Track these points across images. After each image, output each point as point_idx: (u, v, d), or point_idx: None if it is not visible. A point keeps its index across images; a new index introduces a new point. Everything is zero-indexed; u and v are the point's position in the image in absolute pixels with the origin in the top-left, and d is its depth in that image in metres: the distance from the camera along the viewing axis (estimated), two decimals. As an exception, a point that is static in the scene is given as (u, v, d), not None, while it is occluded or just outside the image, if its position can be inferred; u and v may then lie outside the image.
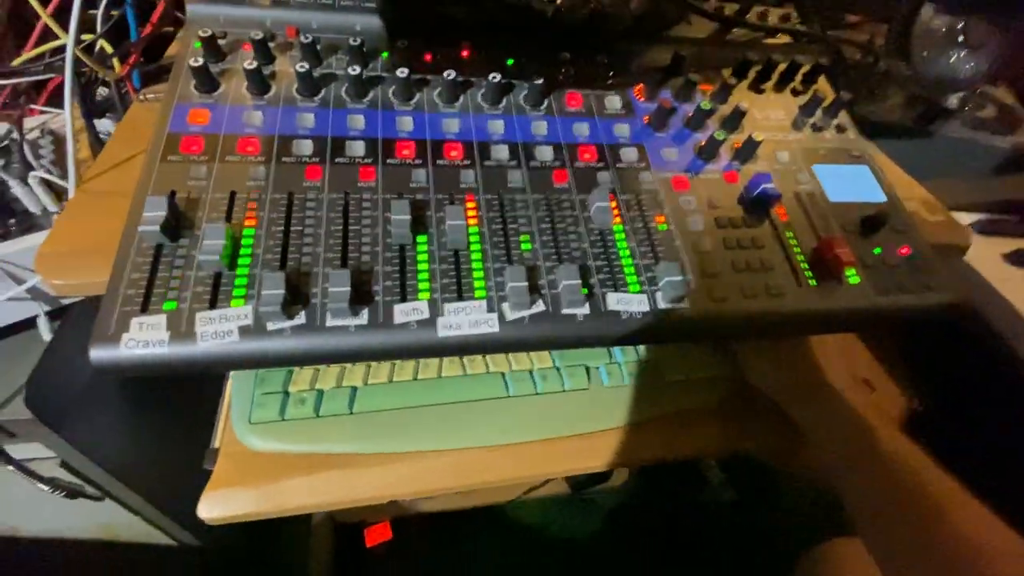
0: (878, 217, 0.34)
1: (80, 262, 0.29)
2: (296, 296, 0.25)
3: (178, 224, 0.26)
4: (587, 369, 0.40)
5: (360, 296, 0.26)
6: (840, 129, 0.40)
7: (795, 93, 0.41)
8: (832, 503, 0.35)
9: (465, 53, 0.37)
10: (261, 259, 0.26)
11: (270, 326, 0.24)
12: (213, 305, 0.24)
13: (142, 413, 0.64)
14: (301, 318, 0.25)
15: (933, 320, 0.33)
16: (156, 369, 0.24)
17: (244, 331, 0.24)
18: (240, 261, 0.26)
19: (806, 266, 0.32)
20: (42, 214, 0.40)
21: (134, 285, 0.24)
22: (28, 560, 0.61)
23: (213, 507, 0.33)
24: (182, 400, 0.81)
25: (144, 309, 0.24)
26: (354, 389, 0.36)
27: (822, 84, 0.42)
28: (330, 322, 0.25)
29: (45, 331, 0.41)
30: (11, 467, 0.43)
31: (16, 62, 0.39)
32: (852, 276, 0.32)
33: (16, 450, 0.43)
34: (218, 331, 0.24)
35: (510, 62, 0.37)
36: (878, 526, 0.31)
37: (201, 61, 0.31)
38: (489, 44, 0.37)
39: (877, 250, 0.33)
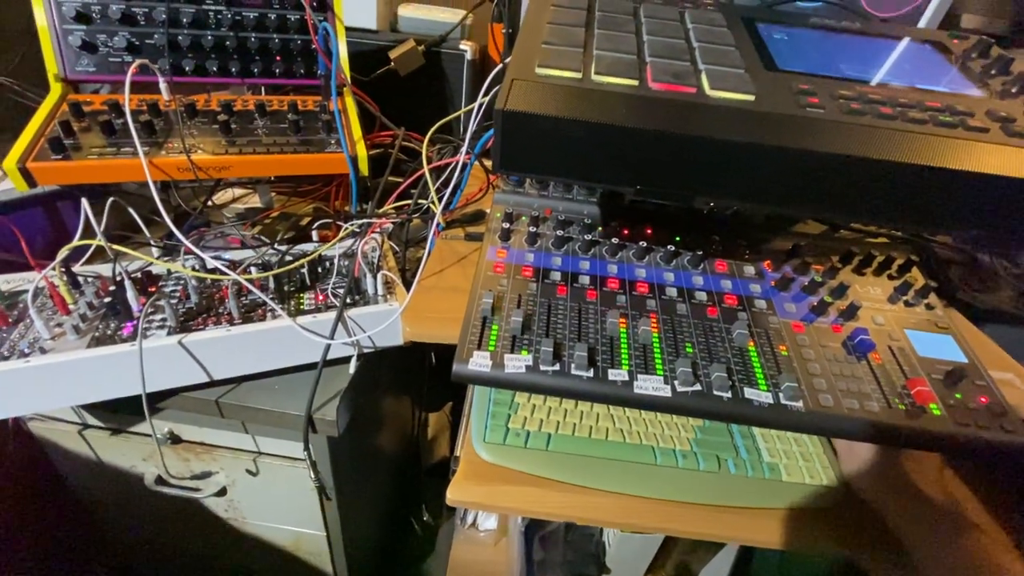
0: (959, 371, 0.46)
1: (424, 322, 0.52)
2: (556, 354, 0.44)
3: (494, 308, 0.48)
4: (718, 458, 0.53)
5: (589, 360, 0.44)
6: (929, 307, 0.53)
7: (891, 278, 0.56)
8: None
9: (649, 231, 0.58)
10: (536, 331, 0.46)
11: (541, 368, 0.43)
12: (512, 351, 0.44)
13: (374, 465, 0.85)
14: (557, 366, 0.44)
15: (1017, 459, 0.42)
16: (483, 382, 0.43)
17: (528, 368, 0.43)
18: (526, 331, 0.46)
19: (896, 398, 0.44)
20: (372, 296, 0.66)
21: (473, 335, 0.45)
22: (228, 544, 0.80)
23: (454, 493, 0.50)
24: (394, 470, 1.03)
25: (479, 347, 0.44)
26: (550, 434, 0.53)
27: (915, 273, 0.57)
28: (573, 372, 0.43)
29: (352, 367, 0.65)
30: (303, 457, 0.64)
31: (382, 211, 0.69)
32: (935, 409, 0.43)
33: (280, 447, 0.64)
34: (515, 365, 0.43)
35: (678, 239, 0.58)
36: None
37: (504, 225, 0.56)
38: (665, 226, 0.59)
39: (958, 395, 0.45)
